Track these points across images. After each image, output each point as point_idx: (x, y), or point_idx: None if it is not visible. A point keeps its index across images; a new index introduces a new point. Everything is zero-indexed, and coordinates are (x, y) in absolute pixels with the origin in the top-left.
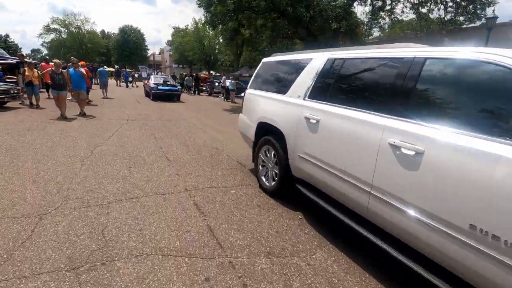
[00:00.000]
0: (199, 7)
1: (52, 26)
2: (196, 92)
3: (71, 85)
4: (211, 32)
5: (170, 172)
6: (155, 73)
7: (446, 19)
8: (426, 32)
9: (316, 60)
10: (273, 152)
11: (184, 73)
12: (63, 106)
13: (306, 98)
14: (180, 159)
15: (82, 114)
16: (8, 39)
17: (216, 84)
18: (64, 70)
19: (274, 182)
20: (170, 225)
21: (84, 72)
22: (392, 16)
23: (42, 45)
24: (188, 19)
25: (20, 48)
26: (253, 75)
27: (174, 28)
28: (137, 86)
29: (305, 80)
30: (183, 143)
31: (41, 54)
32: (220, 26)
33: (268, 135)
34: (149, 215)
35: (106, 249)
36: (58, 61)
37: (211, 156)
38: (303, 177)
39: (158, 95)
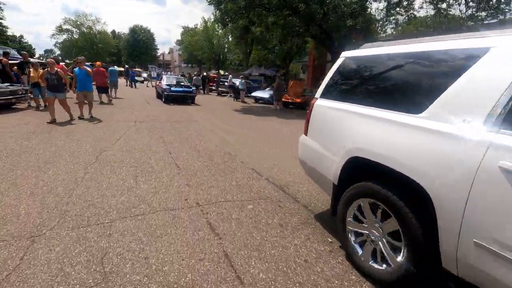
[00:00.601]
0: (209, 4)
1: (64, 27)
2: (205, 91)
3: (76, 86)
4: (220, 31)
5: (180, 182)
6: (166, 72)
7: (467, 14)
8: (445, 29)
9: (507, 47)
10: (379, 211)
11: (195, 73)
12: (67, 109)
13: (498, 128)
14: (190, 166)
15: (90, 117)
16: (22, 39)
17: (222, 83)
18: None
19: (388, 266)
20: (181, 251)
21: (89, 70)
22: (409, 12)
23: (54, 45)
24: (197, 19)
25: (34, 49)
26: (327, 78)
27: (183, 28)
28: (153, 86)
29: (484, 89)
30: (193, 147)
31: (54, 55)
32: (230, 24)
33: (369, 178)
34: (156, 238)
35: (105, 285)
36: (52, 59)
37: (223, 163)
38: (481, 284)
39: (171, 97)
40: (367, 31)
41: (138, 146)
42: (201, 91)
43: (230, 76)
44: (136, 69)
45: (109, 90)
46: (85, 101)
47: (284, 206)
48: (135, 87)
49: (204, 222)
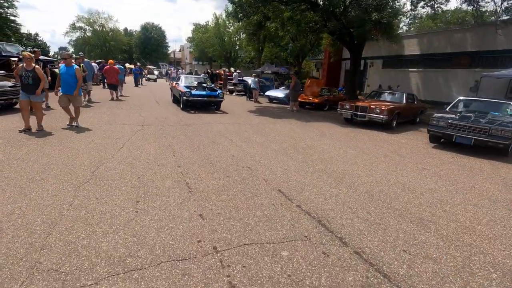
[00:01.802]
0: None
1: (77, 24)
2: None
3: (60, 87)
4: (232, 28)
5: (192, 210)
6: (177, 70)
7: (502, 7)
8: (477, 24)
9: None
10: None
11: (209, 70)
12: (38, 117)
13: None
14: (203, 186)
15: (75, 127)
16: (37, 37)
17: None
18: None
19: None
20: None
21: (79, 70)
22: (436, 6)
23: (68, 43)
24: (209, 16)
25: (49, 46)
26: None
27: (194, 25)
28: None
29: None
30: (206, 158)
31: (79, 54)
32: (244, 20)
33: None
34: None
35: None
36: (28, 53)
37: (242, 181)
38: None
39: (193, 103)
40: (388, 27)
41: (143, 157)
42: None
43: (235, 73)
44: (149, 66)
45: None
46: (74, 105)
47: (330, 252)
48: (136, 85)
49: (225, 282)
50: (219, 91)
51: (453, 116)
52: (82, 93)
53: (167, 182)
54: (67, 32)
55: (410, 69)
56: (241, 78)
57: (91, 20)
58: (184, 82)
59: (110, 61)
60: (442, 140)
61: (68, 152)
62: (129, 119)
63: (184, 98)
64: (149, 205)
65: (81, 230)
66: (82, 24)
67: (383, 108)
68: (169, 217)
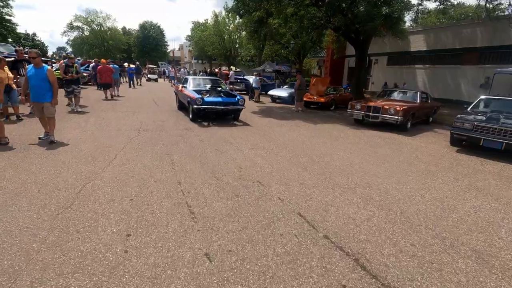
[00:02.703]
0: None
1: (75, 24)
2: None
3: (30, 94)
4: (231, 25)
5: (196, 248)
6: (182, 69)
7: None
8: (489, 18)
9: None
10: None
11: (207, 69)
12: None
13: None
14: (209, 211)
15: (50, 142)
16: (35, 37)
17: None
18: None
19: None
20: None
21: (52, 72)
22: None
23: (67, 43)
24: (207, 14)
25: (47, 46)
26: None
27: (193, 23)
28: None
29: None
30: (210, 171)
31: (66, 52)
32: (245, 16)
33: None
34: None
35: None
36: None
37: (255, 201)
38: None
39: (207, 113)
40: (398, 20)
41: (137, 171)
42: None
43: (231, 72)
44: (150, 65)
45: (114, 87)
46: (46, 115)
47: None
48: (134, 86)
49: None
50: (239, 96)
51: (479, 117)
52: (74, 98)
53: (166, 205)
54: (64, 32)
55: (416, 66)
56: (242, 77)
57: (88, 20)
58: (192, 85)
59: (103, 60)
60: (464, 142)
61: (52, 166)
62: (124, 124)
63: (195, 106)
64: (142, 240)
65: (51, 284)
66: (80, 24)
67: (398, 108)
68: (167, 259)
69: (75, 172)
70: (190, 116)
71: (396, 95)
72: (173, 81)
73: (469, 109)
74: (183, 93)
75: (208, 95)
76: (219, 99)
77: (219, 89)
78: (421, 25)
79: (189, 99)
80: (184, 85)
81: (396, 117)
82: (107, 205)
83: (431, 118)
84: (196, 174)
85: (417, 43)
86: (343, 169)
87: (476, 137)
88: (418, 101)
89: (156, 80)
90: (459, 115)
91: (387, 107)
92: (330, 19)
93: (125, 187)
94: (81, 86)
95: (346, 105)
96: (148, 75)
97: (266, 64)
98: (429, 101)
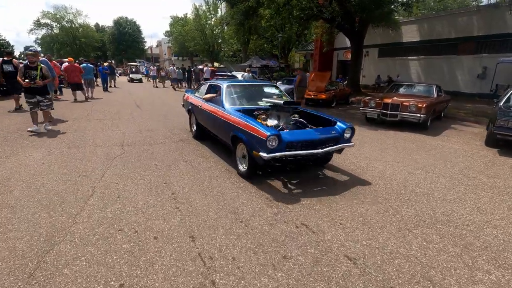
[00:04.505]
0: None
1: (43, 21)
2: (190, 86)
3: None
4: (213, 19)
5: None
6: (171, 67)
7: None
8: (489, 5)
9: None
10: None
11: (185, 66)
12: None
13: None
14: None
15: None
16: None
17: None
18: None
19: None
20: None
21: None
22: None
23: (34, 41)
24: (185, 9)
25: (13, 46)
26: None
27: (172, 18)
28: (179, 88)
29: None
30: (230, 209)
31: (28, 49)
32: (237, 5)
33: None
34: None
35: None
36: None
37: (315, 266)
38: None
39: (289, 163)
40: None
41: (126, 218)
42: (183, 85)
43: (206, 68)
44: (132, 63)
45: (84, 88)
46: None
47: None
48: (107, 89)
49: None
50: (341, 123)
51: None
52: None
53: None
54: (31, 30)
55: (409, 57)
56: (229, 73)
57: (57, 16)
58: (230, 99)
59: (69, 58)
60: (501, 142)
61: None
62: (102, 137)
63: (264, 155)
64: None
65: None
66: (48, 21)
67: (419, 105)
68: None
69: (28, 231)
70: (242, 167)
71: (408, 89)
72: (155, 81)
73: (501, 104)
74: (218, 115)
75: (281, 125)
76: (310, 132)
77: (287, 106)
78: (415, 14)
79: (245, 136)
80: (211, 96)
81: (419, 115)
82: None
83: (442, 113)
84: (212, 216)
85: (410, 34)
86: (394, 190)
87: None
88: (435, 96)
89: (140, 80)
90: (499, 112)
91: (407, 104)
92: (322, 9)
93: (109, 255)
94: (57, 94)
95: (345, 101)
96: (130, 75)
97: (253, 59)
98: (443, 95)
